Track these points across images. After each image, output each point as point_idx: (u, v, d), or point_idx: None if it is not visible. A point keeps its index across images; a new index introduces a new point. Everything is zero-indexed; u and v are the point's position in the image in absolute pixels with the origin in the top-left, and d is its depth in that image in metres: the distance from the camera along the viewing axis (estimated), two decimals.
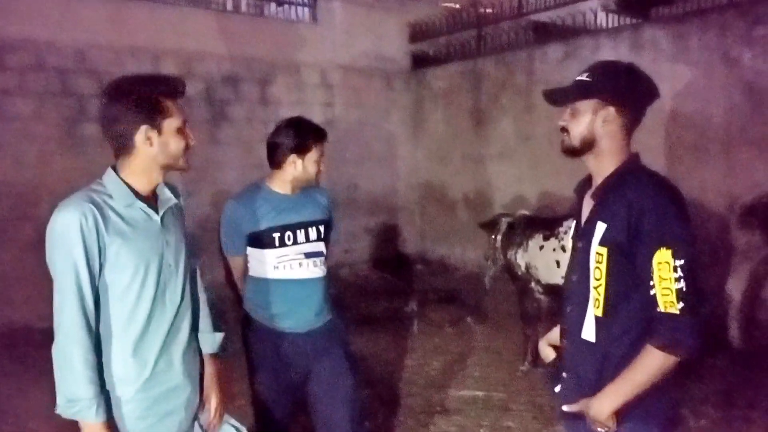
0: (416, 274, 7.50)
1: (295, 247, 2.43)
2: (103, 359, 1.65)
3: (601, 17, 6.04)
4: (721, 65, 4.90)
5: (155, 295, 1.70)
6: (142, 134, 1.65)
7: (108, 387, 1.66)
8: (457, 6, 7.99)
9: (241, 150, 6.34)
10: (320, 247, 2.50)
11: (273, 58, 6.79)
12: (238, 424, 1.98)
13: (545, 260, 4.06)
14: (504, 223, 4.55)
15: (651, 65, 5.26)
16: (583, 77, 1.66)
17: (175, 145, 1.71)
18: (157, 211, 1.74)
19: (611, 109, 1.62)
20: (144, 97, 1.65)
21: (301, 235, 2.45)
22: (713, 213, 4.88)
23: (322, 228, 2.52)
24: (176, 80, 1.76)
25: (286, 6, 7.08)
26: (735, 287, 4.47)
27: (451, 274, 7.45)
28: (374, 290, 6.68)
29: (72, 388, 1.57)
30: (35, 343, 4.30)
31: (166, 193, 1.80)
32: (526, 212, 4.63)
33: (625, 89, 1.63)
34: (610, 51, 5.55)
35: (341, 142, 7.35)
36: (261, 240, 2.42)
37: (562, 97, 1.71)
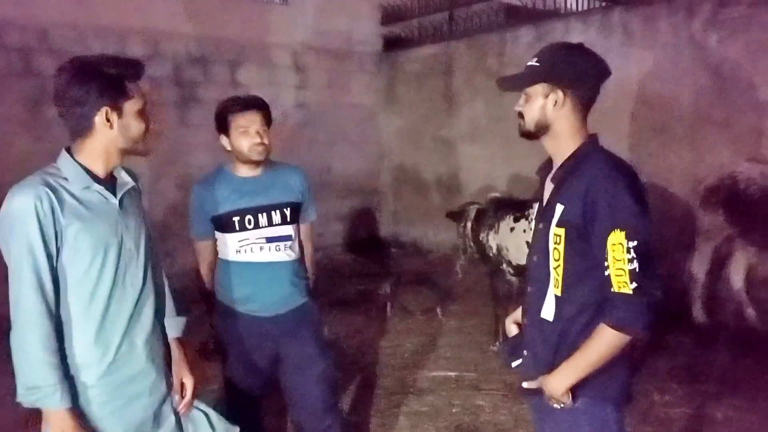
0: (390, 257, 7.53)
1: (256, 231, 2.37)
2: (65, 344, 1.62)
3: (572, 0, 6.08)
4: (688, 48, 4.98)
5: (115, 279, 1.68)
6: (102, 116, 1.63)
7: (72, 372, 1.63)
8: None
9: (211, 133, 6.07)
10: (285, 230, 2.41)
11: (243, 40, 6.68)
12: (206, 408, 1.96)
13: (516, 241, 4.12)
14: (472, 210, 4.61)
15: (620, 48, 5.35)
16: (533, 62, 1.68)
17: (136, 127, 1.69)
18: (115, 194, 1.72)
19: (560, 93, 1.64)
20: (106, 78, 1.62)
21: (263, 218, 2.37)
22: (679, 194, 5.00)
23: (287, 211, 2.42)
24: (137, 62, 1.73)
25: None
26: (698, 267, 4.61)
27: (425, 256, 7.50)
28: (348, 273, 6.70)
29: (32, 375, 1.54)
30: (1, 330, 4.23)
31: (123, 177, 1.77)
32: (497, 194, 4.67)
33: (573, 71, 1.64)
34: (580, 34, 5.59)
35: (313, 125, 7.30)
36: (222, 224, 2.38)
37: (513, 83, 1.74)
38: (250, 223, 2.36)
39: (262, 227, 2.38)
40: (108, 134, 1.66)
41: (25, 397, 1.56)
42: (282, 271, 2.41)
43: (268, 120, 2.39)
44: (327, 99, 7.50)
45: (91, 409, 1.66)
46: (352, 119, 7.74)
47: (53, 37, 5.46)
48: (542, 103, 1.66)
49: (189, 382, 1.93)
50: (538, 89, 1.66)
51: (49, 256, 1.57)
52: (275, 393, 2.68)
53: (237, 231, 2.37)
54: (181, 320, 1.98)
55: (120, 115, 1.65)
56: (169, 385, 1.88)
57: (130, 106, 1.67)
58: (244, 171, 2.42)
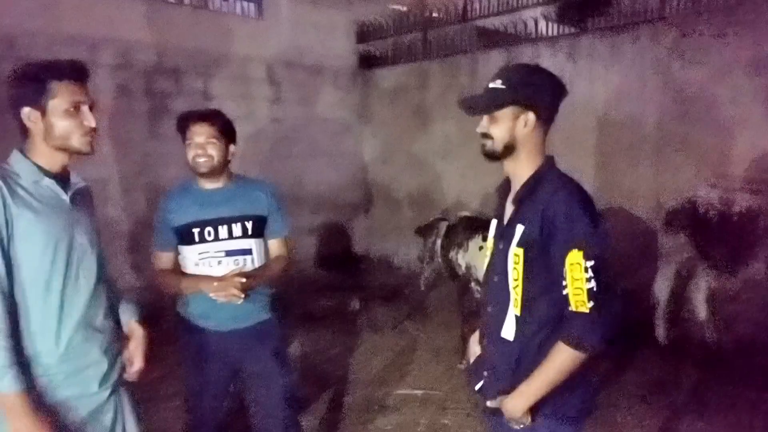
0: (360, 272, 7.53)
1: (216, 243, 2.35)
2: (23, 331, 1.68)
3: (542, 26, 6.23)
4: (652, 73, 5.14)
5: (67, 272, 1.74)
6: (26, 115, 1.71)
7: (30, 357, 1.68)
8: (404, 9, 8.05)
9: (181, 144, 6.16)
10: (245, 244, 2.39)
11: (217, 52, 6.65)
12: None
13: (484, 261, 4.15)
14: (442, 226, 4.65)
15: (587, 72, 5.49)
16: (497, 84, 1.68)
17: (62, 126, 1.73)
18: (66, 192, 1.79)
19: (530, 114, 1.67)
20: (27, 79, 1.71)
21: (223, 230, 2.35)
22: (643, 214, 5.12)
23: (249, 224, 2.40)
24: (70, 63, 1.77)
25: None
26: (661, 287, 4.72)
27: (395, 272, 7.51)
28: (317, 288, 6.67)
29: None
30: None
31: (75, 176, 1.86)
32: (466, 213, 4.74)
33: (538, 92, 1.67)
34: (549, 58, 5.73)
35: (287, 139, 7.29)
36: (182, 235, 2.37)
37: (481, 106, 1.73)
38: (209, 235, 2.35)
39: (222, 239, 2.36)
40: (38, 132, 1.73)
41: None
42: None
43: (220, 132, 2.34)
44: (301, 113, 7.50)
45: (45, 394, 1.70)
46: (326, 134, 7.75)
47: (21, 45, 5.36)
48: (511, 125, 1.68)
49: (137, 365, 2.00)
50: (507, 112, 1.68)
51: (0, 243, 1.62)
52: (239, 412, 2.66)
53: (196, 243, 2.35)
54: (134, 306, 2.06)
55: (43, 114, 1.71)
56: (120, 376, 1.94)
57: (54, 105, 1.71)
58: (207, 184, 2.41)
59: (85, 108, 1.76)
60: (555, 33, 6.17)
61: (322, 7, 7.55)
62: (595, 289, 1.56)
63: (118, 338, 1.99)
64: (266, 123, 7.08)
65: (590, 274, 1.56)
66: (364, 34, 7.95)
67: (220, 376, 2.45)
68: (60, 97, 1.71)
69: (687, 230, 4.58)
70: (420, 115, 7.35)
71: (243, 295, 2.26)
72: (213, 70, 6.66)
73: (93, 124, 1.77)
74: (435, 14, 7.35)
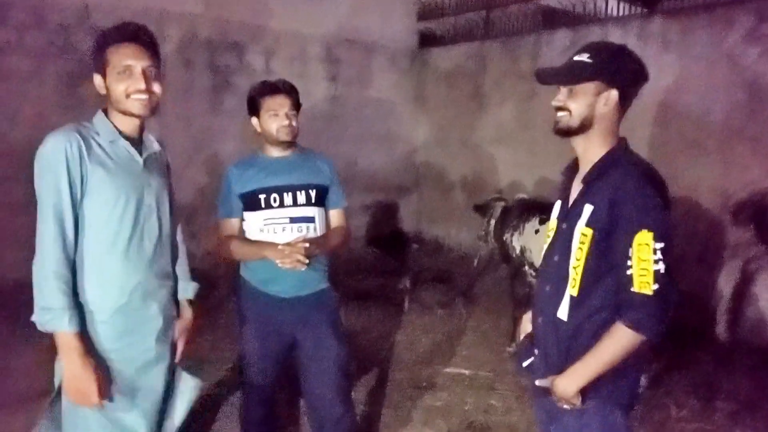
0: (411, 254, 7.54)
1: (281, 210, 2.42)
2: (84, 280, 1.78)
3: (611, 5, 6.00)
4: (724, 61, 4.89)
5: (133, 229, 1.83)
6: (97, 81, 1.83)
7: (86, 306, 1.78)
8: None
9: (242, 120, 6.24)
10: (309, 212, 2.46)
11: (278, 28, 6.72)
12: (193, 379, 2.09)
13: (540, 244, 4.06)
14: (498, 207, 4.58)
15: (657, 56, 5.27)
16: (583, 58, 1.65)
17: (115, 89, 1.81)
18: (141, 154, 1.88)
19: (614, 92, 1.63)
20: (95, 48, 1.83)
21: (288, 198, 2.43)
22: (707, 209, 4.91)
23: (313, 193, 2.47)
24: (121, 26, 1.85)
25: None
26: (725, 283, 4.53)
27: (446, 254, 7.48)
28: (368, 267, 6.72)
29: (46, 298, 1.68)
30: (26, 302, 4.31)
31: (151, 140, 1.96)
32: (524, 196, 4.65)
33: (626, 72, 1.65)
34: (617, 40, 5.41)
35: (342, 118, 7.32)
36: (249, 201, 2.44)
37: (564, 77, 1.70)
38: (275, 201, 2.42)
39: (287, 206, 2.42)
40: (107, 98, 1.83)
41: (39, 317, 1.70)
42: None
43: (296, 104, 2.48)
44: (357, 93, 7.51)
45: (100, 341, 1.81)
46: (380, 114, 7.74)
47: (92, 17, 5.56)
48: (592, 101, 1.64)
49: (180, 345, 2.09)
50: (589, 87, 1.64)
51: (72, 196, 1.73)
52: (290, 380, 2.71)
53: (262, 209, 2.42)
54: (194, 284, 2.14)
55: (104, 78, 1.81)
56: (172, 338, 2.03)
57: (110, 70, 1.80)
58: (274, 152, 2.50)
59: (137, 70, 1.80)
60: (625, 13, 5.94)
61: None
62: (662, 271, 1.52)
63: (176, 301, 2.08)
64: (322, 101, 7.12)
65: (659, 256, 1.52)
66: (424, 12, 7.86)
67: (279, 342, 2.49)
68: (112, 62, 1.80)
69: (755, 224, 4.38)
70: (476, 99, 7.25)
71: (307, 261, 2.31)
72: (275, 47, 6.74)
73: (141, 86, 1.80)
74: None
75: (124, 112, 1.83)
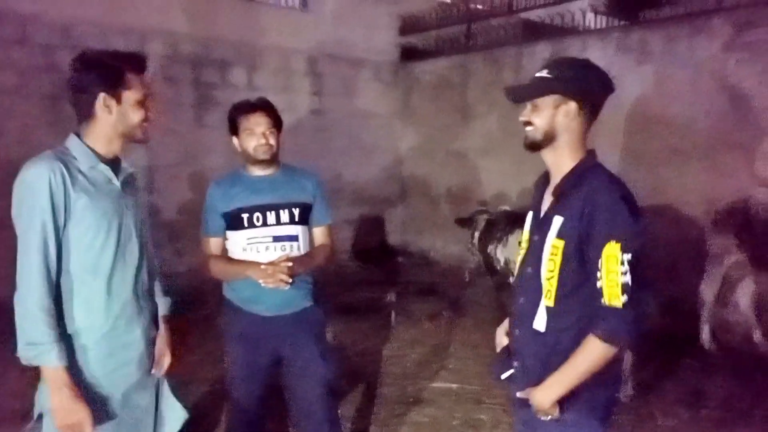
0: (397, 266, 7.53)
1: (264, 229, 2.40)
2: (67, 308, 1.75)
3: (590, 18, 6.10)
4: (706, 70, 4.97)
5: (116, 252, 1.82)
6: (101, 102, 1.78)
7: (73, 334, 1.76)
8: (448, 0, 7.99)
9: (226, 135, 6.25)
10: (292, 230, 2.44)
11: (261, 44, 6.74)
12: (182, 410, 2.09)
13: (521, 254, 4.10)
14: (482, 220, 4.60)
15: (638, 67, 5.34)
16: (543, 73, 1.71)
17: (133, 115, 1.82)
18: (117, 177, 1.87)
19: (572, 104, 1.68)
20: (105, 67, 1.79)
21: (271, 216, 2.41)
22: (692, 216, 4.96)
23: (296, 211, 2.45)
24: (139, 56, 1.87)
25: None
26: (708, 290, 4.57)
27: (432, 266, 7.49)
28: (354, 280, 6.70)
29: (31, 333, 1.65)
30: (10, 320, 4.24)
31: (126, 162, 1.95)
32: (507, 208, 4.67)
33: (585, 84, 1.68)
34: (597, 52, 5.60)
35: (327, 132, 7.34)
36: (232, 220, 2.43)
37: (523, 93, 1.76)
38: (258, 220, 2.40)
39: (270, 225, 2.40)
40: (108, 119, 1.80)
41: (24, 353, 1.66)
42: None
43: (275, 122, 2.45)
44: (342, 106, 7.54)
45: (88, 368, 1.79)
46: (365, 127, 7.77)
47: (76, 33, 5.54)
48: (552, 113, 1.69)
49: (167, 360, 2.08)
50: (549, 100, 1.68)
51: (56, 226, 1.70)
52: (277, 398, 2.69)
53: (245, 228, 2.41)
54: (168, 300, 2.13)
55: (118, 102, 1.80)
56: (152, 359, 2.01)
57: (129, 96, 1.81)
58: (257, 171, 2.48)
59: (149, 100, 1.85)
60: (604, 25, 6.02)
61: None
62: (629, 283, 1.55)
63: (156, 322, 2.08)
64: (307, 115, 7.14)
65: (626, 267, 1.55)
66: (407, 26, 7.93)
67: (263, 361, 2.47)
68: (135, 89, 1.81)
69: (737, 231, 4.42)
70: (461, 110, 7.30)
71: (290, 281, 2.30)
72: (257, 62, 6.76)
73: (154, 115, 1.87)
74: (480, 6, 7.27)
75: (131, 137, 1.87)
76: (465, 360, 4.46)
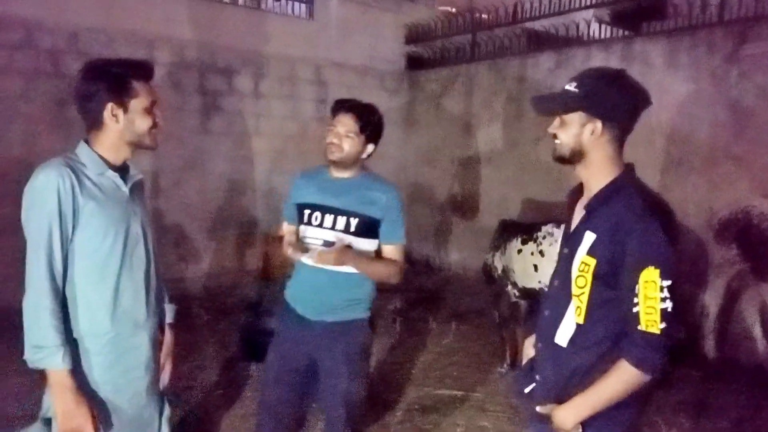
0: None
1: (318, 230, 2.32)
2: (77, 314, 1.77)
3: (594, 28, 6.13)
4: (708, 82, 4.99)
5: (123, 258, 1.84)
6: (108, 111, 1.79)
7: (78, 339, 1.77)
8: (453, 10, 8.04)
9: (231, 142, 6.34)
10: (344, 239, 2.29)
11: (268, 52, 6.79)
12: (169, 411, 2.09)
13: (523, 264, 4.12)
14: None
15: (640, 78, 5.32)
16: (571, 87, 1.62)
17: (141, 123, 1.84)
18: (126, 184, 1.89)
19: (598, 123, 1.59)
20: (112, 76, 1.80)
21: (328, 219, 2.32)
22: (693, 227, 4.97)
23: (354, 221, 2.31)
24: (147, 64, 1.89)
25: (283, 0, 7.08)
26: (711, 300, 4.57)
27: (435, 274, 7.50)
28: None
29: (38, 336, 1.66)
30: (15, 324, 4.23)
31: (133, 169, 1.96)
32: (504, 218, 4.72)
33: (612, 103, 1.59)
34: (601, 62, 5.62)
35: None
36: (297, 212, 2.43)
37: (549, 107, 1.69)
38: (316, 219, 2.34)
39: (325, 228, 2.33)
40: (115, 127, 1.82)
41: (31, 356, 1.67)
42: (330, 281, 2.31)
43: (361, 128, 2.35)
44: None
45: (93, 373, 1.80)
46: None
47: (83, 40, 5.60)
48: (578, 131, 1.61)
49: (169, 367, 2.11)
50: (575, 117, 1.61)
51: (63, 232, 1.72)
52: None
53: (303, 224, 2.38)
54: (173, 307, 2.14)
55: (126, 110, 1.81)
56: (158, 365, 2.03)
57: (136, 104, 1.82)
58: (334, 172, 2.41)
59: (156, 107, 1.87)
60: (607, 36, 6.06)
61: (371, 9, 7.62)
62: (669, 309, 1.49)
63: (162, 329, 2.09)
64: (312, 123, 7.17)
65: (666, 294, 1.49)
66: (412, 35, 7.98)
67: (295, 365, 2.40)
68: (142, 97, 1.83)
69: (739, 242, 4.44)
70: (465, 119, 7.33)
71: (333, 259, 2.21)
72: (264, 70, 6.80)
73: (162, 122, 1.88)
74: (484, 16, 7.32)
75: (140, 145, 1.89)
76: (468, 367, 4.46)
